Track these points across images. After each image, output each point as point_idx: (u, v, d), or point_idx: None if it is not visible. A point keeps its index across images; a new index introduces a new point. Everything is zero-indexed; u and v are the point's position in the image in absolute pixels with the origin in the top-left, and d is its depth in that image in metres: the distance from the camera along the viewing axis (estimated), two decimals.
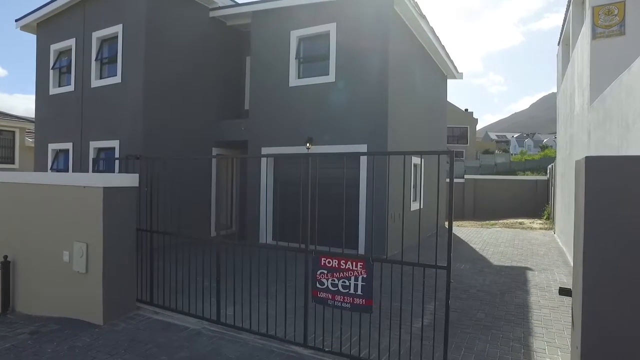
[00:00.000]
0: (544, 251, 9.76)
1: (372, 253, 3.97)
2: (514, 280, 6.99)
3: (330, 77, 9.59)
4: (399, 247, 10.16)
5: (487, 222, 16.72)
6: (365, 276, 3.83)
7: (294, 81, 10.07)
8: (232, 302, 4.67)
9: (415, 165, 11.16)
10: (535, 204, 19.11)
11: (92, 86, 10.37)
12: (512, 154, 48.91)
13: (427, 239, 12.07)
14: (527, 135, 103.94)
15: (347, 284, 3.89)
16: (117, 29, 9.82)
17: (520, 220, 16.84)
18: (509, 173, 39.62)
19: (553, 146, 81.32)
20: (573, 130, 8.26)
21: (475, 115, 49.15)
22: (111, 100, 9.99)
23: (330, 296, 4.00)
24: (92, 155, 10.26)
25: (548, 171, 19.14)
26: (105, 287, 4.74)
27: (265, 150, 10.39)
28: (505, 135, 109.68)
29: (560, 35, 10.85)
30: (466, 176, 21.08)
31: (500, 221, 16.74)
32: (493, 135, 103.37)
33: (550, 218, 16.57)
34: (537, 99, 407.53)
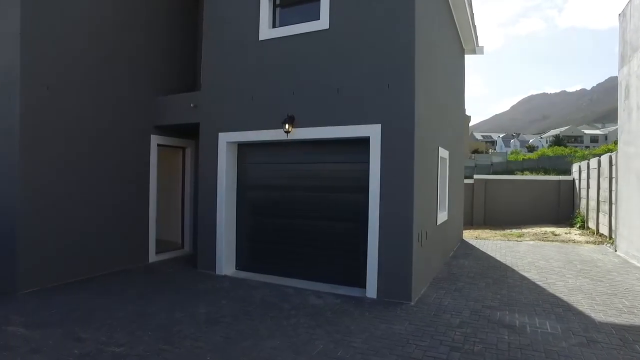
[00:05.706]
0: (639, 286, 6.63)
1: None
2: None
3: (323, 23, 6.24)
4: (425, 281, 6.65)
5: (510, 231, 13.64)
6: None
7: (266, 32, 6.69)
8: None
9: (442, 159, 7.90)
10: (560, 208, 16.19)
11: None
12: (507, 153, 46.67)
13: (451, 260, 8.88)
14: (513, 135, 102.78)
15: None
16: None
17: (550, 229, 13.81)
18: (507, 173, 37.03)
19: (539, 146, 79.98)
20: None
21: None
22: None
23: None
24: None
25: (576, 170, 16.23)
26: None
27: (225, 136, 6.98)
28: (490, 136, 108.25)
29: None
30: (476, 176, 18.02)
31: (525, 230, 13.69)
32: (478, 136, 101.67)
33: (585, 226, 13.62)
34: (517, 101, 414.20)
